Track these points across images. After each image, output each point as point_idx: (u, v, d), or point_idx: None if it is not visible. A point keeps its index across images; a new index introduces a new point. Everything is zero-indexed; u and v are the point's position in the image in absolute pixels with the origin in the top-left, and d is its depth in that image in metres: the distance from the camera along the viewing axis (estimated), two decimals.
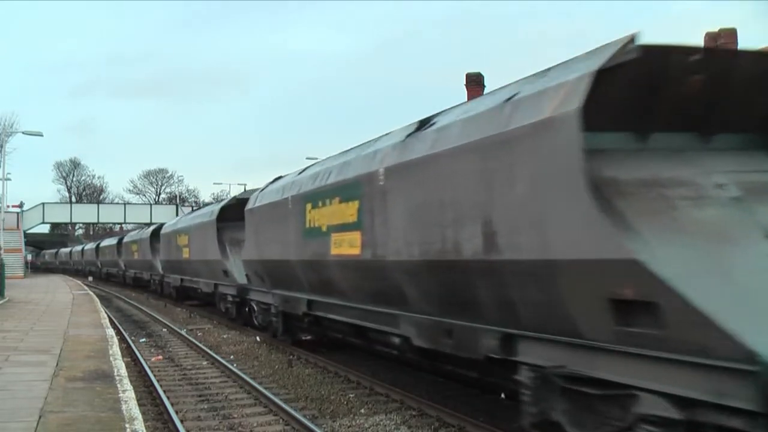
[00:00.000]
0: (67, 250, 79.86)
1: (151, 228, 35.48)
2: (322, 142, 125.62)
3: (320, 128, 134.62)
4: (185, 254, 24.55)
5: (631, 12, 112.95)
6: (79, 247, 70.92)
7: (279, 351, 14.93)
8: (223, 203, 21.58)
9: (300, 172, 13.57)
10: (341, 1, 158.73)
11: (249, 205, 16.23)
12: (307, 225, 11.72)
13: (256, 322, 16.88)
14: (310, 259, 11.68)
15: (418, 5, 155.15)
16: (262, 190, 15.95)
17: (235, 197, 20.97)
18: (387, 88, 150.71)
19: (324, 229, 10.90)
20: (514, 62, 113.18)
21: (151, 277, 34.59)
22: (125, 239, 43.34)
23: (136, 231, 43.57)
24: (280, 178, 15.59)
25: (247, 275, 16.83)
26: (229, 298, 19.76)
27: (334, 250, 10.43)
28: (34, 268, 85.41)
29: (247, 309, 18.19)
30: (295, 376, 12.02)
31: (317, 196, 11.32)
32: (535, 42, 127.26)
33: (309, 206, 11.70)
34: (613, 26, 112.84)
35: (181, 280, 26.85)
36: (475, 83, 25.21)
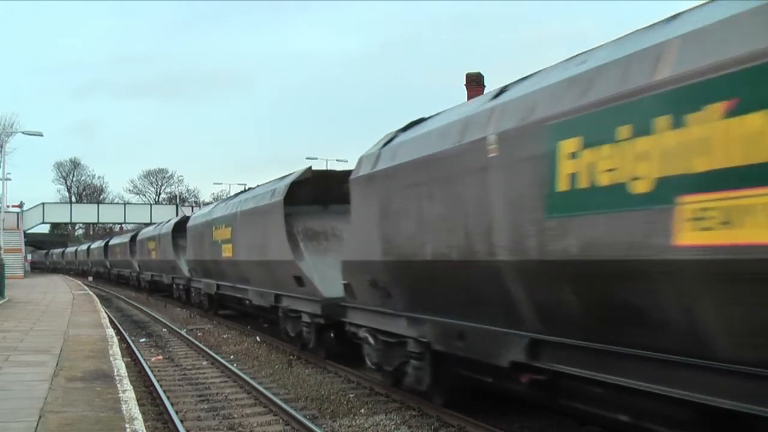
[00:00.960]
0: (72, 249, 78.30)
1: (174, 220, 29.63)
2: (323, 142, 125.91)
3: (321, 128, 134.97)
4: (226, 252, 18.38)
5: (631, 12, 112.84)
6: (84, 246, 68.41)
7: (279, 351, 14.62)
8: (292, 177, 14.30)
9: (496, 95, 7.30)
10: (342, 2, 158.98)
11: (361, 170, 9.98)
12: (560, 187, 5.69)
13: (368, 361, 10.38)
14: (567, 259, 5.68)
15: (418, 5, 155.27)
16: (389, 142, 9.60)
17: (309, 168, 14.50)
18: (387, 88, 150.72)
19: (638, 188, 4.93)
20: (515, 62, 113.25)
21: (173, 281, 28.22)
22: (140, 235, 36.80)
23: (154, 226, 36.78)
24: (422, 120, 9.47)
25: (346, 285, 10.67)
26: (305, 319, 13.20)
27: (688, 238, 4.54)
28: (41, 268, 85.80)
29: (332, 334, 12.39)
30: (295, 376, 11.94)
31: (602, 121, 5.31)
32: (535, 42, 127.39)
33: (568, 147, 5.61)
34: (614, 26, 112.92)
35: (218, 286, 20.45)
36: (475, 83, 25.13)
